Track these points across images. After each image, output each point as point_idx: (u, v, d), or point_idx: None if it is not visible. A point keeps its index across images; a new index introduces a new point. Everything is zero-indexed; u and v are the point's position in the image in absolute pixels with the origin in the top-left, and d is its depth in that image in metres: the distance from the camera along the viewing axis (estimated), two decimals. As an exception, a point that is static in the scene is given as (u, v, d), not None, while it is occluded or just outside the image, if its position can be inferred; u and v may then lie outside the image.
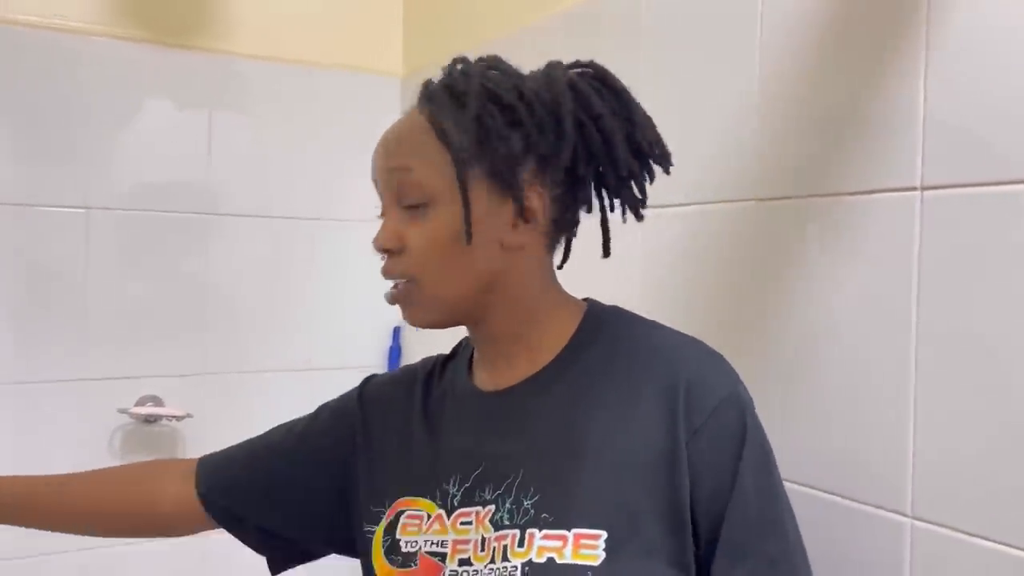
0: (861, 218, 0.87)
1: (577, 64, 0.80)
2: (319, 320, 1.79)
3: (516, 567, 0.70)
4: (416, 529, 0.78)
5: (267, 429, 0.97)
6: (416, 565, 0.77)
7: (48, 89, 1.54)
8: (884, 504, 0.84)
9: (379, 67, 1.81)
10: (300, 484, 0.91)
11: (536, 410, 0.77)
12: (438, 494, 0.79)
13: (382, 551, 0.80)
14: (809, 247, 0.93)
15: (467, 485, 0.77)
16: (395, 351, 1.85)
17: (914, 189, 0.82)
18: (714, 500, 0.71)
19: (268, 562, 0.96)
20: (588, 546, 0.69)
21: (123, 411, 1.58)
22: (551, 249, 0.81)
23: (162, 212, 1.64)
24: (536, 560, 0.69)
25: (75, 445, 1.56)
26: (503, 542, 0.72)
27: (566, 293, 0.83)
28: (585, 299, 0.85)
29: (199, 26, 1.66)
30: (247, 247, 1.72)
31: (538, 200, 0.76)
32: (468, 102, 0.74)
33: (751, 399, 0.76)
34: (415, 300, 0.77)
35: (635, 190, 0.79)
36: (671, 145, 0.80)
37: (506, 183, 0.74)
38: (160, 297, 1.64)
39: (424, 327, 0.79)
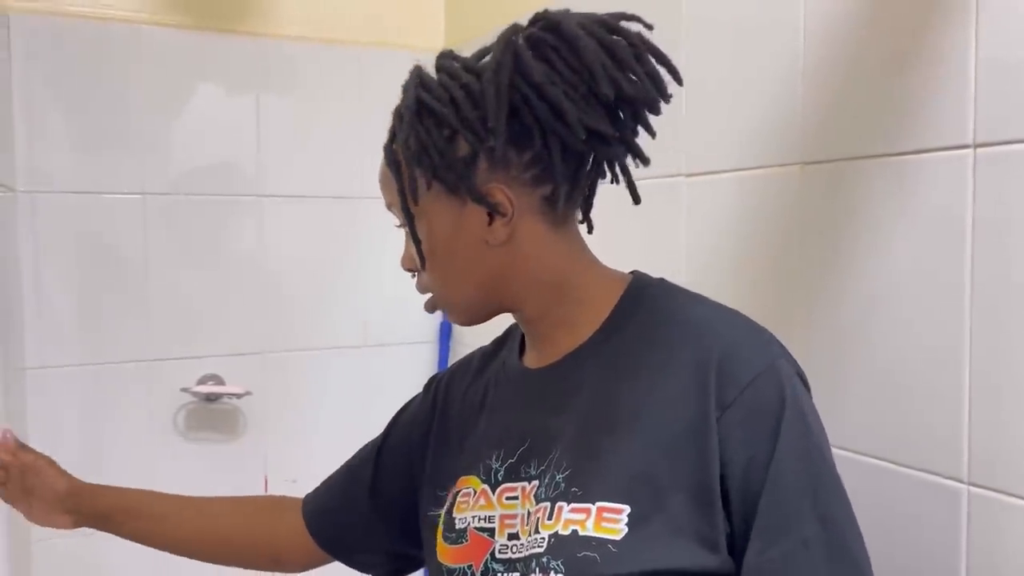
0: (911, 179, 0.85)
1: (535, 19, 0.74)
2: (371, 297, 1.82)
3: (544, 538, 0.71)
4: (466, 505, 0.80)
5: (350, 453, 1.02)
6: (467, 541, 0.78)
7: (101, 79, 1.58)
8: (941, 471, 0.83)
9: (421, 44, 1.82)
10: (399, 510, 0.93)
11: (575, 385, 0.77)
12: (482, 469, 0.80)
13: (442, 530, 0.82)
14: (857, 211, 0.91)
15: (511, 460, 0.78)
16: (446, 326, 1.87)
17: (967, 147, 0.79)
18: (748, 478, 0.68)
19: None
20: (610, 520, 0.68)
21: (185, 390, 1.63)
22: (562, 223, 0.78)
23: (214, 196, 1.67)
24: (561, 532, 0.70)
25: (141, 423, 1.62)
26: (538, 515, 0.73)
27: (605, 268, 0.82)
28: (632, 272, 0.83)
29: (242, 11, 1.69)
30: (298, 227, 1.75)
31: (501, 194, 0.74)
32: (404, 123, 0.75)
33: (796, 372, 0.73)
34: (443, 307, 0.82)
35: (613, 148, 0.73)
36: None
37: (461, 188, 0.74)
38: (216, 278, 1.68)
39: (465, 325, 0.83)
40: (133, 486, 1.61)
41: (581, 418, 0.75)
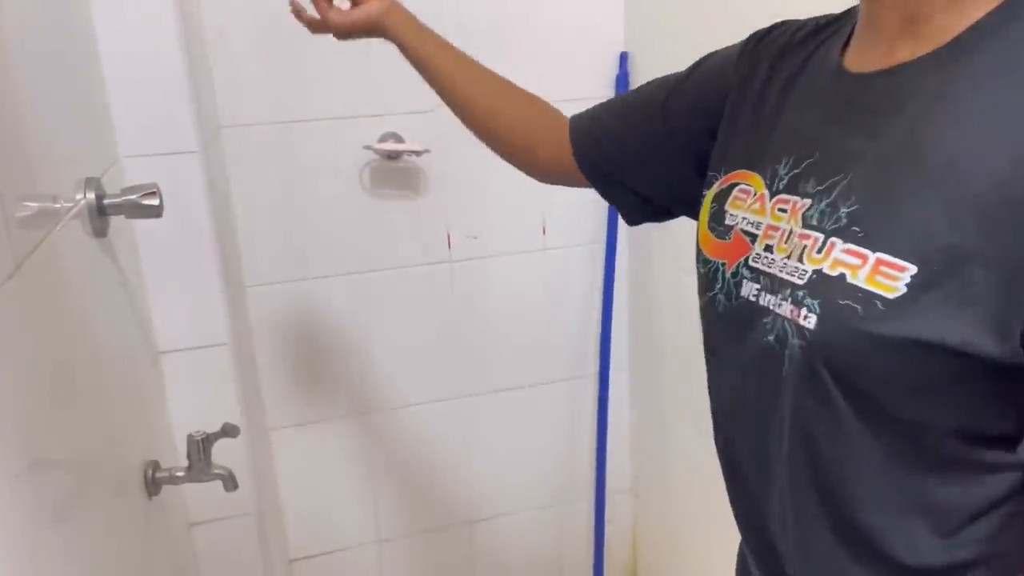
0: None
1: None
2: (544, 50, 1.74)
3: (807, 271, 0.65)
4: (742, 204, 0.76)
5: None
6: (730, 239, 0.76)
7: None
8: None
9: None
10: (665, 150, 0.91)
11: (892, 107, 0.64)
12: (768, 172, 0.74)
13: (707, 216, 0.80)
14: None
15: (796, 171, 0.70)
16: (622, 78, 1.77)
17: None
18: None
19: (624, 216, 1.03)
20: (888, 275, 0.59)
21: (368, 147, 1.67)
22: None
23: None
24: (827, 271, 0.63)
25: (330, 178, 1.70)
26: (804, 242, 0.66)
27: None
28: None
29: None
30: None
31: None
32: None
33: None
34: None
35: None
36: None
37: None
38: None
39: None
40: (329, 237, 1.74)
41: (884, 148, 0.63)
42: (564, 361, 1.95)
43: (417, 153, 1.68)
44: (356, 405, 1.84)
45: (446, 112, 1.73)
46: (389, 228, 1.76)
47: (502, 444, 1.96)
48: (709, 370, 0.82)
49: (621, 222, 1.87)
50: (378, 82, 1.67)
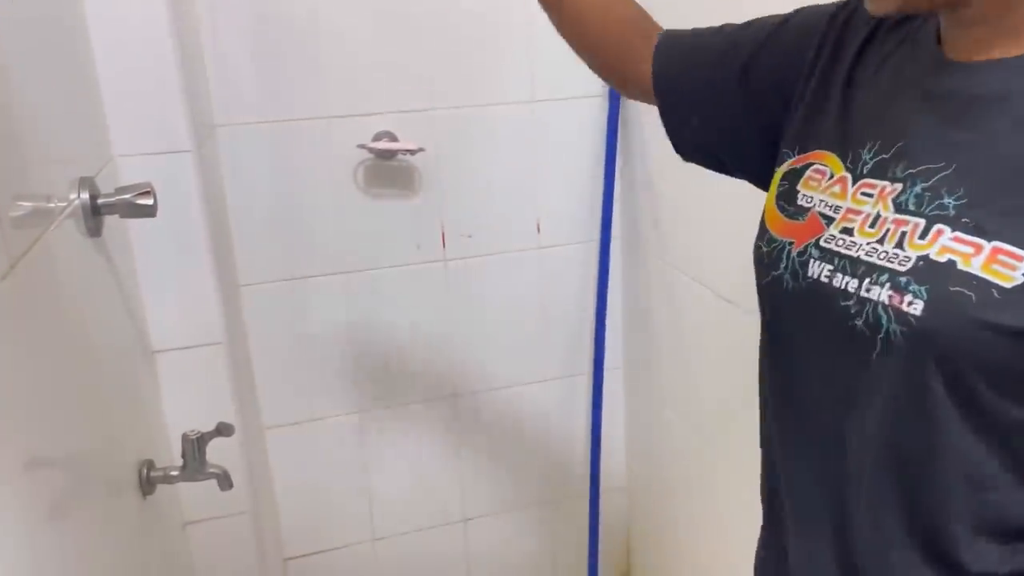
0: None
1: None
2: (540, 51, 1.74)
3: (910, 258, 0.63)
4: (816, 185, 0.74)
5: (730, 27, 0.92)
6: (803, 220, 0.74)
7: None
8: None
9: None
10: (736, 107, 0.87)
11: (999, 99, 0.63)
12: (850, 156, 0.72)
13: (776, 194, 0.78)
14: None
15: (884, 156, 0.69)
16: (618, 78, 1.77)
17: None
18: None
19: (676, 148, 0.97)
20: (1005, 264, 0.58)
21: (362, 146, 1.67)
22: None
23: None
24: (934, 258, 0.62)
25: (324, 178, 1.70)
26: (902, 228, 0.65)
27: None
28: None
29: None
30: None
31: None
32: None
33: None
34: None
35: None
36: None
37: None
38: (387, 35, 1.65)
39: (887, 13, 0.68)
40: (324, 236, 1.73)
41: (995, 139, 0.63)
42: (558, 359, 1.96)
43: (411, 152, 1.68)
44: (350, 404, 1.84)
45: (441, 111, 1.74)
46: (383, 227, 1.76)
47: (496, 442, 1.97)
48: (767, 350, 0.80)
49: (615, 220, 1.88)
50: (372, 81, 1.67)
